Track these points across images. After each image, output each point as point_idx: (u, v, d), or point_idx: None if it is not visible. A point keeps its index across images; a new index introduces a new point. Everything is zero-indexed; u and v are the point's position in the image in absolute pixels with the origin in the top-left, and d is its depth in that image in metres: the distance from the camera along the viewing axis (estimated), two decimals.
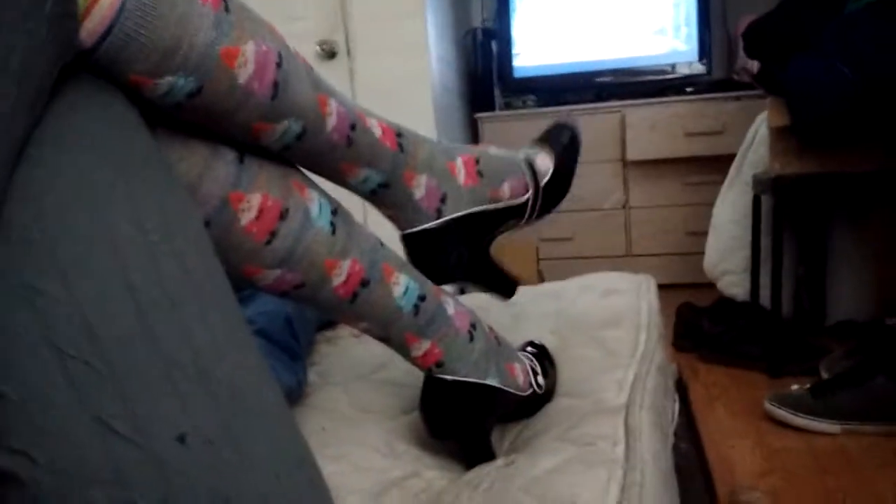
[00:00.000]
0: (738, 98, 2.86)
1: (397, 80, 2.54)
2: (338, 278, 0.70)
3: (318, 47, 2.57)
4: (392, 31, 2.53)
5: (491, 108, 3.23)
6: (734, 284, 2.32)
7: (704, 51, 3.10)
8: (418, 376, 0.82)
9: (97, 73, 0.53)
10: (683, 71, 3.13)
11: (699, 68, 3.11)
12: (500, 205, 0.84)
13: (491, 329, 0.84)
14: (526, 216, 0.89)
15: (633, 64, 3.18)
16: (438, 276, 0.83)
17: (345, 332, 1.23)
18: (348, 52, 2.59)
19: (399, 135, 0.77)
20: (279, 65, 0.61)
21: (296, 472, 0.47)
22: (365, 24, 2.56)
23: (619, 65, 3.19)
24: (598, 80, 3.18)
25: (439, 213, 0.80)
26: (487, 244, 0.87)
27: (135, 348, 0.44)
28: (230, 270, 0.58)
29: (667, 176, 3.05)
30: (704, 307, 2.30)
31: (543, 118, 3.10)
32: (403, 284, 0.75)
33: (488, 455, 0.81)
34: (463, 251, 0.83)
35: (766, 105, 2.04)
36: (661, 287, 1.37)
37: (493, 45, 3.23)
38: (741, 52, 2.40)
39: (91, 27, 0.50)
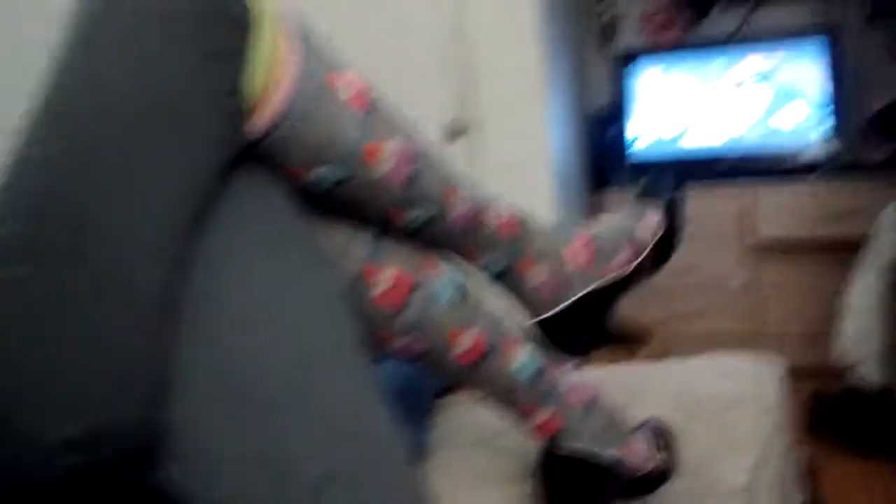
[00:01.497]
0: (870, 180, 2.75)
1: (519, 160, 2.61)
2: (461, 348, 0.75)
3: (445, 127, 2.69)
4: (516, 113, 2.62)
5: (609, 187, 3.25)
6: (868, 373, 2.20)
7: (837, 132, 3.02)
8: (534, 445, 0.84)
9: (260, 160, 0.61)
10: (814, 153, 3.06)
11: (831, 150, 3.03)
12: (616, 277, 0.87)
13: (611, 404, 0.86)
14: (642, 277, 0.91)
15: (762, 146, 3.13)
16: (569, 352, 0.86)
17: (464, 397, 1.26)
18: (474, 132, 2.69)
19: (520, 223, 0.82)
20: (414, 160, 0.68)
21: None
22: (491, 105, 2.66)
23: (747, 148, 3.14)
24: (723, 164, 3.15)
25: (558, 300, 0.83)
26: (607, 314, 0.89)
27: (294, 396, 0.50)
28: (363, 336, 0.64)
29: (798, 258, 2.96)
30: (836, 394, 2.19)
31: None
32: (523, 357, 0.79)
33: None
34: (587, 326, 0.85)
35: (891, 189, 1.98)
36: (793, 371, 1.33)
37: (613, 128, 3.27)
38: (874, 135, 2.35)
39: (261, 123, 0.58)
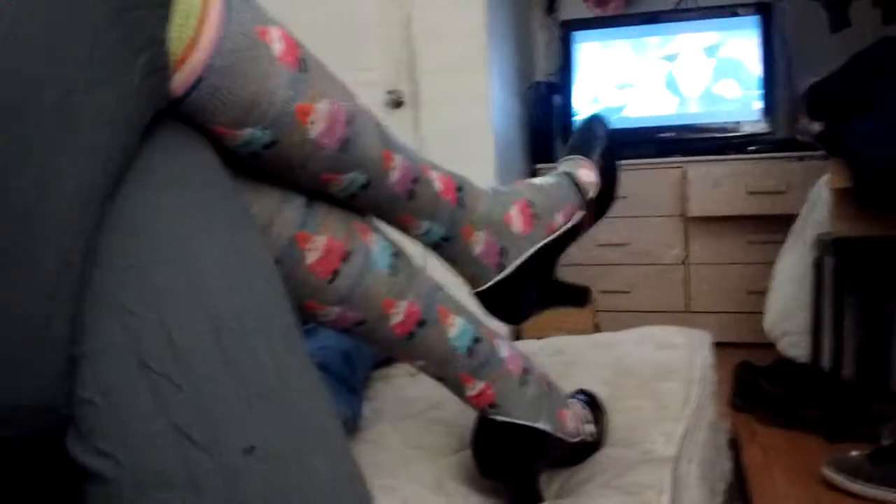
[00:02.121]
0: (801, 158, 2.83)
1: (460, 129, 2.60)
2: (395, 317, 0.73)
3: (385, 96, 2.66)
4: (456, 83, 2.60)
5: (551, 159, 3.27)
6: (794, 346, 2.28)
7: (769, 110, 3.09)
8: (469, 417, 0.84)
9: (184, 121, 0.58)
10: (747, 129, 3.13)
11: (763, 127, 3.10)
12: (555, 235, 0.87)
13: (544, 375, 0.86)
14: (581, 233, 0.91)
15: (696, 121, 3.19)
16: (513, 319, 0.86)
17: (400, 370, 1.26)
18: (414, 102, 2.67)
19: (459, 189, 0.80)
20: (349, 122, 0.65)
21: (349, 490, 0.51)
22: (431, 75, 2.64)
23: (682, 122, 3.20)
24: (660, 135, 3.20)
25: (501, 267, 0.83)
26: (551, 272, 0.89)
27: (212, 367, 0.48)
28: (295, 305, 0.63)
29: (728, 233, 3.02)
30: (763, 367, 2.26)
31: None
32: (459, 327, 0.78)
33: (536, 498, 0.83)
34: (531, 290, 0.86)
35: (828, 166, 2.03)
36: (720, 345, 1.36)
37: (555, 99, 3.28)
38: (804, 113, 2.40)
39: (182, 79, 0.55)
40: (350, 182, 0.68)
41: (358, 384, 1.05)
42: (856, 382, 2.22)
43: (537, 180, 0.90)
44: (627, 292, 3.12)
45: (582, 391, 0.97)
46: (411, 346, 0.76)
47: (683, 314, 3.06)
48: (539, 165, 3.21)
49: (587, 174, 0.92)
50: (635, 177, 3.09)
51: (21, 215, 0.45)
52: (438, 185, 0.78)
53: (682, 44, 3.18)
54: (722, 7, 3.15)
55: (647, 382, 1.11)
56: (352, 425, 0.98)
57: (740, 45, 3.13)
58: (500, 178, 2.67)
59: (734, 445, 1.37)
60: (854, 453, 1.63)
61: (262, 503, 0.45)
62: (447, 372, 0.79)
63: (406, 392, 1.17)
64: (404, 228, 0.79)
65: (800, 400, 2.05)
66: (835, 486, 1.59)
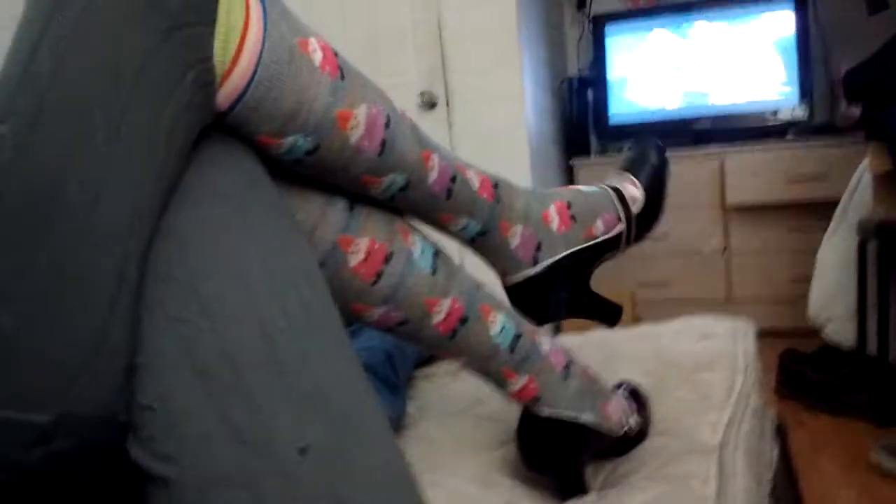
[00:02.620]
0: (841, 143, 2.79)
1: (495, 128, 2.61)
2: (438, 316, 0.75)
3: (418, 98, 2.68)
4: (489, 82, 2.61)
5: (587, 153, 3.26)
6: (839, 331, 2.25)
7: (806, 95, 3.05)
8: (513, 413, 0.85)
9: (229, 133, 0.60)
10: (785, 116, 3.08)
11: (801, 113, 3.06)
12: (594, 241, 0.87)
13: (586, 368, 0.87)
14: (621, 246, 0.91)
15: (733, 110, 3.15)
16: (541, 318, 0.87)
17: (441, 369, 1.28)
18: (447, 103, 2.68)
19: (496, 186, 0.81)
20: (387, 125, 0.67)
21: (399, 486, 0.52)
22: (463, 75, 2.65)
23: (718, 111, 3.17)
24: (696, 126, 3.17)
25: (535, 261, 0.84)
26: (586, 279, 0.90)
27: (264, 373, 0.50)
28: (340, 307, 0.65)
29: (768, 222, 2.99)
30: (808, 354, 2.24)
31: None
32: (500, 323, 0.79)
33: (582, 490, 0.84)
34: (562, 292, 0.86)
35: (860, 151, 2.00)
36: (763, 333, 1.35)
37: (589, 93, 3.27)
38: (843, 98, 2.37)
39: (227, 93, 0.57)
40: (390, 183, 0.70)
41: (401, 383, 1.07)
42: None
43: (580, 187, 0.91)
44: (668, 284, 3.10)
45: (624, 383, 0.97)
46: (454, 343, 0.78)
47: (725, 304, 3.03)
48: (574, 161, 3.20)
49: (633, 190, 0.92)
50: (672, 168, 3.05)
51: (78, 228, 0.48)
52: (475, 182, 0.79)
53: (715, 32, 3.15)
54: None
55: (690, 373, 1.11)
56: (396, 424, 1.00)
57: (776, 31, 3.08)
58: (535, 174, 2.67)
59: (780, 433, 1.36)
60: None
61: (318, 501, 0.47)
62: (490, 368, 0.81)
63: (449, 390, 1.19)
64: (442, 227, 0.80)
65: (846, 386, 2.02)
66: (884, 471, 1.57)
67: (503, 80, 2.61)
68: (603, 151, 3.31)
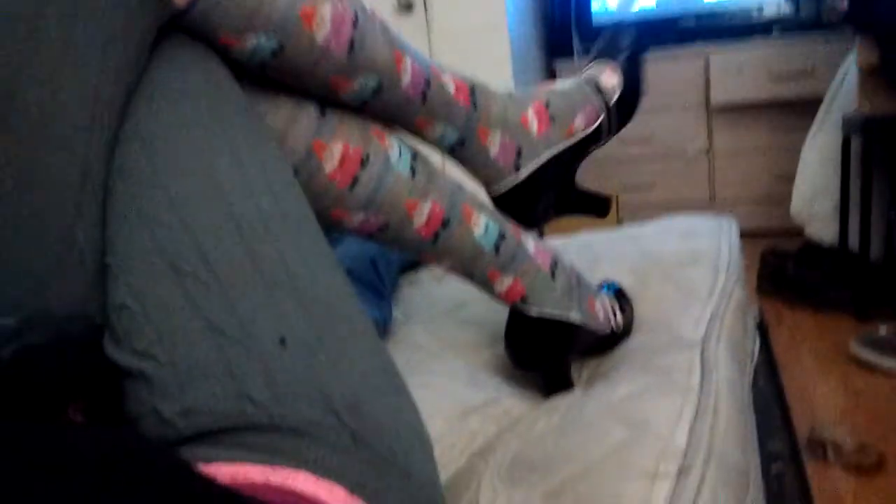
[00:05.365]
0: (827, 38, 2.74)
1: (474, 30, 2.54)
2: (419, 219, 0.74)
3: (395, 0, 2.59)
4: None
5: (569, 55, 3.20)
6: (822, 229, 2.26)
7: None
8: (499, 314, 0.85)
9: (191, 35, 0.58)
10: (770, 12, 3.02)
11: (786, 9, 2.99)
12: (575, 139, 0.86)
13: (572, 267, 0.87)
14: (602, 138, 0.90)
15: (717, 7, 3.09)
16: (530, 223, 0.86)
17: (426, 275, 1.28)
18: (425, 5, 2.60)
19: (472, 91, 0.79)
20: (355, 24, 0.65)
21: (382, 376, 0.53)
22: None
23: (702, 8, 3.10)
24: (681, 24, 3.10)
25: (517, 167, 0.82)
26: (571, 177, 0.89)
27: (239, 267, 0.50)
28: (318, 214, 0.63)
29: (753, 121, 2.97)
30: (790, 252, 2.26)
31: None
32: (483, 224, 0.78)
33: (567, 385, 0.85)
34: (549, 194, 0.86)
35: (847, 45, 1.97)
36: (747, 234, 1.36)
37: None
38: None
39: None
40: (362, 87, 0.68)
41: (386, 289, 1.07)
42: (884, 262, 2.21)
43: (557, 84, 0.89)
44: (651, 187, 3.10)
45: (608, 282, 0.98)
46: (437, 247, 0.77)
47: (709, 205, 3.04)
48: (557, 64, 3.14)
49: (610, 78, 0.90)
50: (655, 68, 3.00)
51: (36, 127, 0.46)
52: (451, 87, 0.77)
53: None
54: None
55: (674, 270, 1.12)
56: (382, 329, 1.00)
57: None
58: (517, 77, 2.61)
59: (762, 328, 1.38)
60: (882, 330, 1.64)
61: (298, 389, 0.47)
62: (475, 270, 0.80)
63: (433, 294, 1.19)
64: (419, 133, 0.78)
65: (828, 282, 2.06)
66: (864, 363, 1.61)
67: None
68: (587, 52, 3.24)
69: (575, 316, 0.83)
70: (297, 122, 0.67)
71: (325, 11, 0.62)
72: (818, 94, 2.37)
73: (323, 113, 0.68)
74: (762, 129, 2.96)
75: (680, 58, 3.00)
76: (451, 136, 0.79)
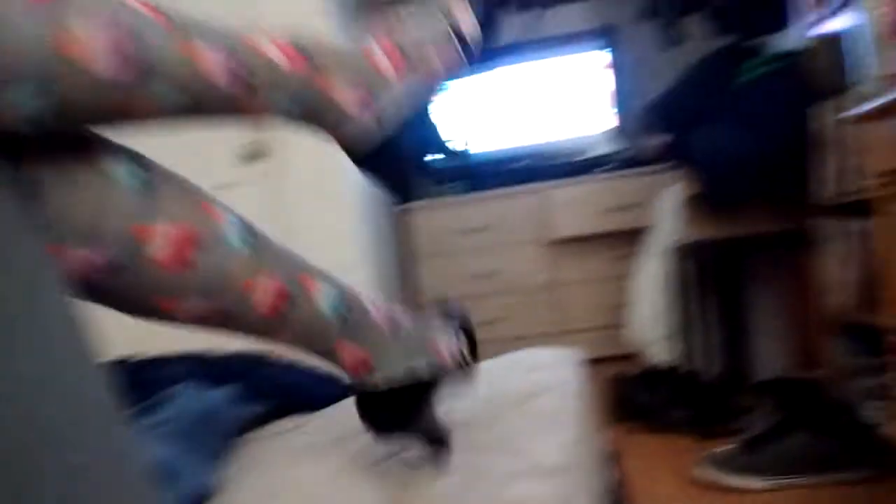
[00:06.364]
0: (654, 172, 2.95)
1: (320, 174, 2.56)
2: (259, 298, 0.68)
3: (241, 149, 2.59)
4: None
5: (420, 196, 3.27)
6: (660, 352, 2.35)
7: (619, 129, 3.24)
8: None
9: None
10: (600, 150, 3.26)
11: (615, 146, 3.24)
12: (436, 80, 0.80)
13: (407, 314, 0.83)
14: (457, 76, 0.84)
15: (550, 147, 3.29)
16: (404, 182, 0.82)
17: (267, 432, 1.20)
18: (272, 154, 2.61)
19: (302, 49, 0.70)
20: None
21: None
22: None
23: (536, 149, 3.29)
24: (518, 164, 3.27)
25: (373, 115, 0.75)
26: (429, 118, 0.84)
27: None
28: (143, 306, 0.56)
29: (591, 251, 3.12)
30: (634, 377, 2.33)
31: (471, 204, 3.17)
32: (325, 292, 0.74)
33: (443, 436, 0.82)
34: (414, 140, 0.80)
35: (671, 177, 2.13)
36: (597, 361, 1.37)
37: (411, 136, 3.28)
38: (644, 129, 2.52)
39: None
40: (160, 103, 0.59)
41: (219, 447, 0.98)
42: (721, 381, 2.32)
43: (405, 18, 0.80)
44: (499, 322, 3.15)
45: (451, 314, 0.93)
46: (281, 324, 0.71)
47: (557, 336, 3.11)
48: (407, 205, 3.20)
49: (461, 13, 0.82)
50: (496, 207, 3.15)
51: None
52: (277, 51, 0.68)
53: (528, 72, 3.28)
54: (569, 35, 3.28)
55: (525, 400, 1.11)
56: (209, 491, 0.91)
57: (589, 70, 3.26)
58: (362, 224, 2.64)
59: (614, 456, 1.38)
60: (724, 448, 1.69)
61: None
62: (321, 344, 0.75)
63: (272, 450, 1.11)
64: (252, 113, 0.69)
65: (669, 405, 2.12)
66: (709, 483, 1.63)
67: None
68: (434, 195, 3.31)
69: (423, 369, 0.79)
70: (109, 201, 0.58)
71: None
72: (648, 224, 2.53)
73: (144, 186, 0.61)
74: (600, 259, 3.11)
75: (519, 196, 3.15)
76: (296, 99, 0.70)
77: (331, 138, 0.75)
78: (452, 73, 0.82)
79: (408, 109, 0.77)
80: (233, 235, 0.67)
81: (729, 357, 2.38)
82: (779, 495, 1.55)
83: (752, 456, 1.62)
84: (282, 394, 1.20)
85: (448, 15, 0.81)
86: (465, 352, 0.88)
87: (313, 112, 0.72)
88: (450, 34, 0.80)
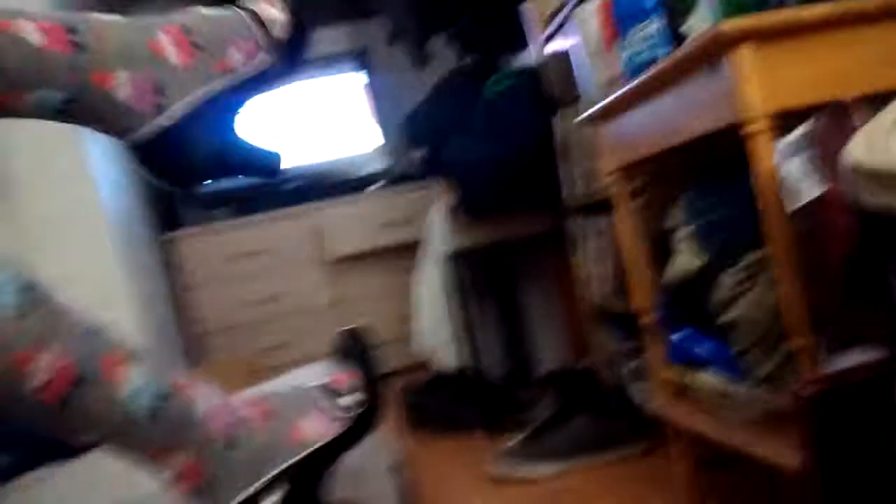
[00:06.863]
0: (423, 186, 3.01)
1: (65, 215, 2.34)
2: (35, 378, 0.56)
3: None
4: (53, 161, 2.34)
5: (182, 225, 3.11)
6: (444, 357, 2.40)
7: (385, 147, 3.28)
8: None
9: None
10: (370, 168, 3.28)
11: (383, 164, 3.28)
12: (234, 77, 0.71)
13: (258, 410, 0.71)
14: (269, 82, 0.76)
15: (320, 167, 3.27)
16: (190, 178, 0.70)
17: (10, 488, 1.07)
18: (7, 190, 2.36)
19: (71, 31, 0.62)
20: None
21: None
22: (23, 158, 2.35)
23: (307, 170, 3.25)
24: (290, 185, 3.22)
25: (158, 108, 0.66)
26: (231, 127, 0.74)
27: None
28: None
29: (371, 267, 3.13)
30: (423, 385, 2.35)
31: (243, 228, 3.06)
32: (134, 381, 0.60)
33: None
34: (212, 142, 0.70)
35: (438, 190, 2.19)
36: (390, 374, 1.35)
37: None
38: (405, 144, 2.58)
39: None
40: None
41: None
42: (506, 377, 2.41)
43: (203, 9, 0.73)
44: (287, 345, 3.07)
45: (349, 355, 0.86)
46: (68, 415, 0.58)
47: None
48: (170, 234, 3.03)
49: (268, 8, 0.75)
50: (271, 230, 3.08)
51: None
52: (35, 37, 0.59)
53: (291, 95, 3.24)
54: (325, 57, 3.26)
55: None
56: None
57: (348, 91, 3.28)
58: (121, 256, 2.45)
59: (406, 462, 1.38)
60: (512, 441, 1.74)
61: None
62: (129, 446, 0.61)
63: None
64: (11, 112, 0.60)
65: (459, 407, 2.16)
66: (502, 478, 1.67)
67: (68, 157, 2.36)
68: (202, 221, 3.17)
69: (274, 468, 0.67)
70: None
71: None
72: (422, 236, 2.57)
73: None
74: (382, 274, 3.13)
75: (293, 217, 3.10)
76: (55, 98, 0.61)
77: (100, 128, 0.67)
78: (259, 70, 0.73)
79: (199, 101, 0.69)
80: (3, 294, 0.54)
81: (511, 355, 2.48)
82: (568, 477, 1.62)
83: (538, 444, 1.68)
84: (29, 443, 1.07)
85: (253, 10, 0.74)
86: (349, 400, 0.79)
87: (77, 104, 0.63)
88: (257, 30, 0.73)
